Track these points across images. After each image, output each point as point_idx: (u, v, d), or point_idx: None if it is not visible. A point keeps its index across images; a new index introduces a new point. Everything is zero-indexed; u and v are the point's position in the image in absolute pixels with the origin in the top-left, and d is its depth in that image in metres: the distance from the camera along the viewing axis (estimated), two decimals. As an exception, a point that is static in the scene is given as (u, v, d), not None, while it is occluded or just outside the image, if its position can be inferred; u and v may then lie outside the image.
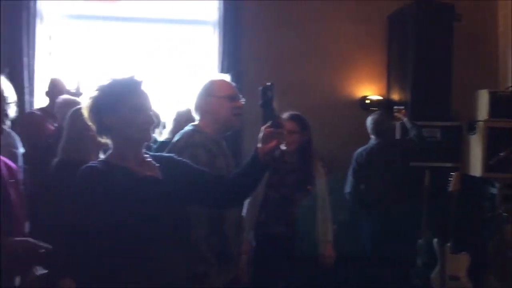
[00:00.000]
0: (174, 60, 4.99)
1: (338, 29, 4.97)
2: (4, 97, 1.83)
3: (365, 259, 3.92)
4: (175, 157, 1.81)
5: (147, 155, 1.69)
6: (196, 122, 2.25)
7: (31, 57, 4.43)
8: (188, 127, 2.24)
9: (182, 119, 3.13)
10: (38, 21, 4.50)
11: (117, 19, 4.82)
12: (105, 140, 1.66)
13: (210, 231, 2.05)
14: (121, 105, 1.59)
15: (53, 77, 4.13)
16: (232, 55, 4.68)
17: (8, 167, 1.90)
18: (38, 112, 3.86)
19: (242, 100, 2.22)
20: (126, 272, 1.48)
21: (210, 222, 2.05)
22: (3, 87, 1.83)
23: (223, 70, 4.55)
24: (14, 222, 1.81)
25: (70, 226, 1.56)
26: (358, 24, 4.95)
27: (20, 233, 1.82)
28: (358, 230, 4.16)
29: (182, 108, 3.34)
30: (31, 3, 4.43)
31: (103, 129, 1.64)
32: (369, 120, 4.22)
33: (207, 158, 2.09)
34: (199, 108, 2.22)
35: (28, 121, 3.66)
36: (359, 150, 4.20)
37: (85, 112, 1.65)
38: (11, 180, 1.87)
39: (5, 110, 1.84)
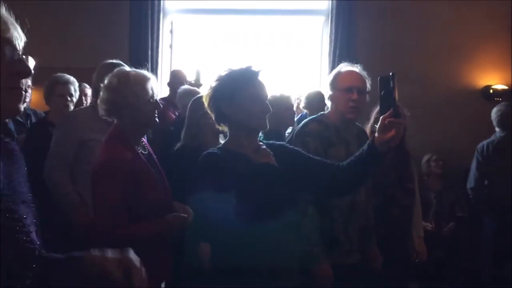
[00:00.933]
0: (286, 50, 5.07)
1: (457, 14, 4.66)
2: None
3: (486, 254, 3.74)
4: (287, 145, 1.86)
5: (261, 143, 1.76)
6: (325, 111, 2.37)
7: (155, 50, 4.76)
8: (311, 117, 2.35)
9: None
10: (161, 16, 4.82)
11: (232, 12, 5.00)
12: (222, 127, 1.76)
13: (320, 217, 2.10)
14: (239, 94, 1.66)
15: (174, 68, 4.42)
16: (345, 44, 4.62)
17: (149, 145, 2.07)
18: (161, 102, 4.16)
19: (363, 92, 2.24)
20: (247, 248, 1.56)
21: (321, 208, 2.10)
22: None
23: (334, 59, 4.52)
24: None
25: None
26: (480, 8, 4.61)
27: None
28: (481, 226, 3.96)
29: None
30: (155, 2, 4.76)
31: (221, 117, 1.73)
32: (494, 112, 3.94)
33: (320, 146, 2.15)
34: (327, 97, 2.32)
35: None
36: (483, 143, 3.94)
37: (205, 101, 1.76)
38: (155, 156, 2.05)
39: None
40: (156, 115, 1.94)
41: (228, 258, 1.59)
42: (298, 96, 4.16)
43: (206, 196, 1.58)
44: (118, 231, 1.71)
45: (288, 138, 2.27)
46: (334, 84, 2.28)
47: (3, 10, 0.96)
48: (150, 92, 1.90)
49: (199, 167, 1.67)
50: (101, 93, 1.90)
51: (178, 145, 2.63)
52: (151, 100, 1.90)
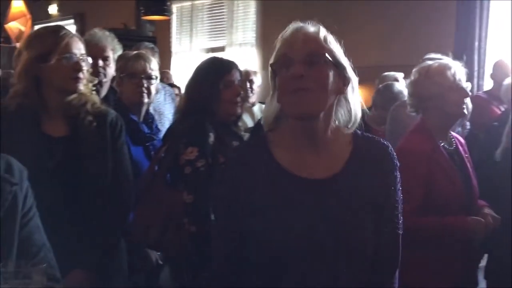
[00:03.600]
0: None
1: None
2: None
3: None
4: None
5: None
6: None
7: (483, 40, 4.49)
8: None
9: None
10: (490, 3, 4.50)
11: None
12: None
13: None
14: None
15: (498, 59, 4.08)
16: None
17: (460, 142, 2.07)
18: (483, 95, 3.93)
19: None
20: None
21: None
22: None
23: None
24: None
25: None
26: None
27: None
28: None
29: None
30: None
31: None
32: None
33: None
34: None
35: (472, 104, 3.78)
36: None
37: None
38: (466, 155, 2.03)
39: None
40: (464, 105, 1.90)
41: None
42: None
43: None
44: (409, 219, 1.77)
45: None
46: None
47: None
48: (452, 79, 1.87)
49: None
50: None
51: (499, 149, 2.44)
52: (456, 88, 1.87)
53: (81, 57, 1.79)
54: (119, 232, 1.91)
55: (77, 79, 1.77)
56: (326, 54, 1.23)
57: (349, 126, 1.30)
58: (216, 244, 1.35)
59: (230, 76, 2.12)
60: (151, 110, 3.34)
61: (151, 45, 3.94)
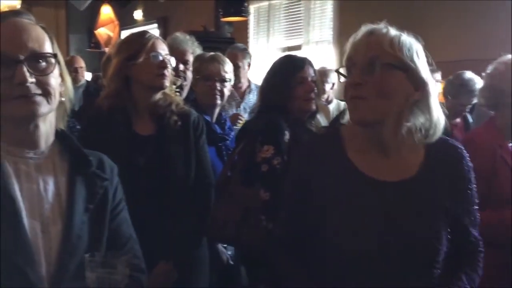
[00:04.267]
0: None
1: None
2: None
3: None
4: None
5: None
6: None
7: None
8: None
9: None
10: None
11: None
12: None
13: None
14: None
15: None
16: None
17: None
18: None
19: None
20: None
21: None
22: None
23: None
24: None
25: None
26: None
27: None
28: None
29: None
30: None
31: None
32: None
33: None
34: None
35: None
36: None
37: None
38: None
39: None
40: None
41: None
42: None
43: None
44: None
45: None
46: None
47: None
48: None
49: None
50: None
51: None
52: None
53: (166, 57, 1.90)
54: (202, 227, 2.00)
55: (163, 76, 1.88)
56: (391, 59, 1.19)
57: (429, 133, 1.25)
58: (283, 233, 1.37)
59: (303, 72, 2.13)
60: (242, 109, 3.44)
61: (243, 46, 4.05)
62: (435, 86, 1.27)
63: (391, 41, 1.22)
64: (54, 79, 1.13)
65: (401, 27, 1.27)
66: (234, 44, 4.31)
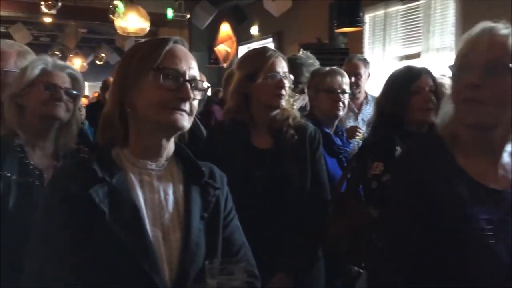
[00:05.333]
0: None
1: None
2: None
3: None
4: None
5: None
6: None
7: None
8: None
9: None
10: None
11: None
12: None
13: None
14: None
15: None
16: None
17: None
18: None
19: None
20: None
21: None
22: None
23: None
24: None
25: None
26: None
27: None
28: None
29: None
30: None
31: None
32: None
33: None
34: None
35: None
36: None
37: None
38: None
39: None
40: None
41: None
42: None
43: None
44: None
45: None
46: None
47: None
48: None
49: None
50: None
51: None
52: None
53: (284, 75, 1.94)
54: (318, 240, 2.00)
55: (279, 96, 1.93)
56: None
57: None
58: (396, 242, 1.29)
59: (419, 82, 2.04)
60: (360, 121, 3.44)
61: (362, 57, 4.05)
62: None
63: None
64: (197, 101, 1.24)
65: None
66: (353, 54, 4.28)
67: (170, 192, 1.24)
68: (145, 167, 1.23)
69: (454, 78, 1.22)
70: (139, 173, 1.22)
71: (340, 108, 2.51)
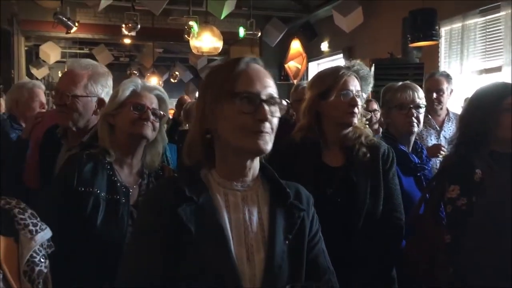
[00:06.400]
0: None
1: None
2: None
3: None
4: None
5: None
6: None
7: None
8: None
9: None
10: None
11: None
12: None
13: None
14: None
15: None
16: None
17: None
18: None
19: None
20: None
21: None
22: None
23: None
24: None
25: None
26: None
27: None
28: None
29: None
30: None
31: None
32: None
33: None
34: None
35: None
36: None
37: None
38: None
39: None
40: None
41: None
42: None
43: None
44: None
45: None
46: None
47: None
48: None
49: None
50: None
51: None
52: None
53: (356, 94, 1.92)
54: (392, 262, 1.94)
55: (352, 114, 1.91)
56: None
57: None
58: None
59: (510, 98, 1.92)
60: (442, 138, 3.31)
61: (445, 72, 3.93)
62: None
63: None
64: (277, 119, 1.23)
65: None
66: (436, 70, 4.14)
67: (255, 212, 1.24)
68: (231, 187, 1.25)
69: None
70: (225, 193, 1.24)
71: (414, 124, 2.39)
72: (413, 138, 2.48)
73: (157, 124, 1.88)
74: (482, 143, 1.91)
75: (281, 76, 9.35)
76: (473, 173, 1.84)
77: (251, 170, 1.26)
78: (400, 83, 2.58)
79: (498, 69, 5.50)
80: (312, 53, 9.03)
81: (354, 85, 1.94)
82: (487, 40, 5.76)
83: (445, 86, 3.56)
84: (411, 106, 2.40)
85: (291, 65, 8.89)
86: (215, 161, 1.27)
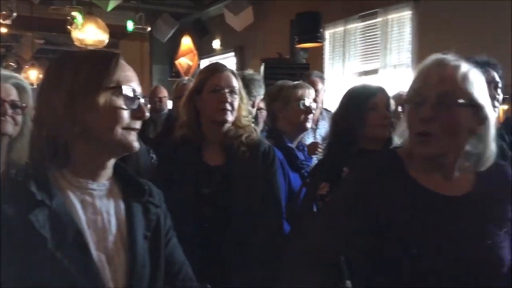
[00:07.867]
0: None
1: None
2: None
3: None
4: None
5: None
6: None
7: None
8: None
9: None
10: None
11: None
12: None
13: None
14: None
15: None
16: None
17: None
18: None
19: None
20: None
21: None
22: None
23: None
24: None
25: None
26: None
27: None
28: None
29: None
30: None
31: None
32: None
33: None
34: None
35: None
36: None
37: None
38: None
39: None
40: None
41: None
42: None
43: None
44: None
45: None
46: None
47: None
48: None
49: None
50: None
51: None
52: None
53: (229, 90, 1.90)
54: (269, 255, 1.95)
55: (223, 111, 1.89)
56: (463, 96, 1.18)
57: (483, 161, 1.26)
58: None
59: (376, 98, 2.06)
60: (318, 136, 3.43)
61: (320, 73, 4.12)
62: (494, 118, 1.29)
63: (464, 77, 1.20)
64: None
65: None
66: (312, 71, 4.34)
67: (112, 212, 1.18)
68: (86, 187, 1.16)
69: (408, 110, 1.27)
70: (80, 193, 1.15)
71: (310, 121, 2.47)
72: (301, 136, 2.54)
73: (19, 117, 1.70)
74: (351, 142, 2.01)
75: (172, 73, 9.19)
76: (341, 171, 1.91)
77: (109, 169, 1.19)
78: (296, 82, 2.64)
79: (375, 71, 5.91)
80: (204, 51, 8.99)
81: (227, 81, 1.91)
82: (366, 44, 6.17)
83: (320, 86, 3.74)
84: (310, 104, 2.47)
85: (182, 62, 8.77)
86: (66, 159, 1.15)
